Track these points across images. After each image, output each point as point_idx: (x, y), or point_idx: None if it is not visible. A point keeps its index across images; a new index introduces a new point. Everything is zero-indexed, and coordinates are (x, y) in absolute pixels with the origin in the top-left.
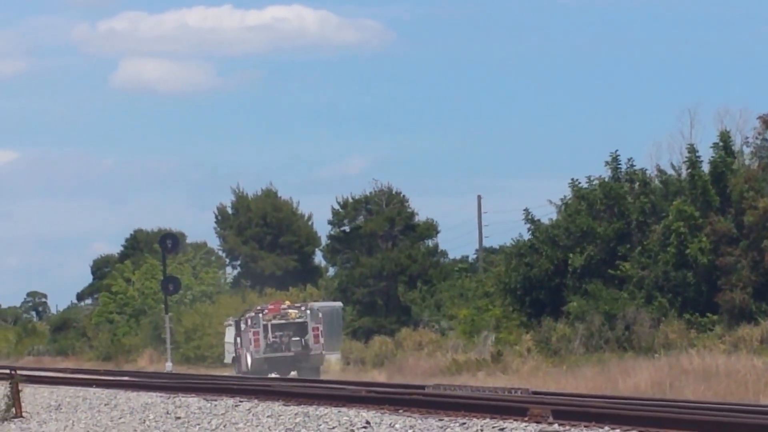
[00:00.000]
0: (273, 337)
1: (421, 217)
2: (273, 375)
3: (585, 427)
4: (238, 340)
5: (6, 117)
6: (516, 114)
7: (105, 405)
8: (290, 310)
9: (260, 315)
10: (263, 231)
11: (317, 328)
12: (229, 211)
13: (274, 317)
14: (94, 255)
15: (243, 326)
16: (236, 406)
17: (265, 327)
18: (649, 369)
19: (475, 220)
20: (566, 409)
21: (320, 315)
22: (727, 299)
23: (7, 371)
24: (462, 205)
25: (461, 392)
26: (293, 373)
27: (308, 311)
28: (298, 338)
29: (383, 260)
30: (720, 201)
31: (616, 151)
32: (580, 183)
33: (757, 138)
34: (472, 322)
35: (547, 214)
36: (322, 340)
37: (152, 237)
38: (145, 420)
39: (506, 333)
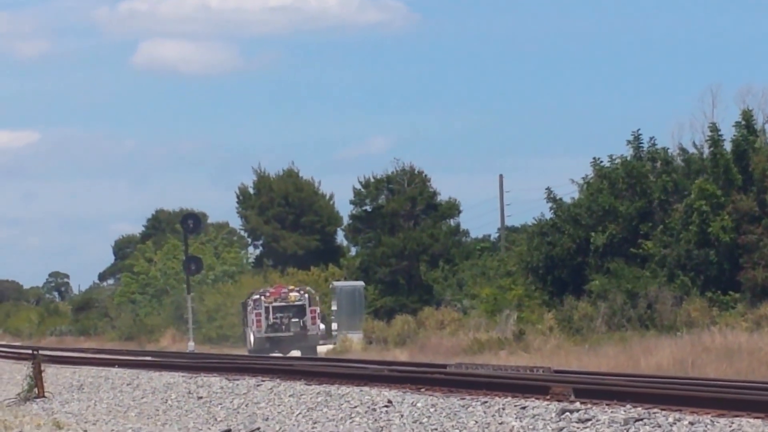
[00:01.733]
0: (274, 318)
1: (443, 197)
2: (275, 354)
3: (607, 405)
4: (244, 320)
5: (28, 98)
6: (538, 93)
7: (127, 385)
8: (290, 294)
9: (262, 297)
10: (285, 211)
11: (314, 311)
12: (251, 191)
13: (275, 300)
14: (116, 235)
15: (248, 308)
16: (258, 385)
17: (267, 309)
18: (671, 347)
19: (497, 199)
20: (588, 388)
21: (317, 298)
22: (749, 277)
23: (30, 351)
24: (484, 184)
25: (483, 371)
26: (295, 353)
27: (307, 295)
28: (297, 320)
29: (405, 239)
30: (742, 179)
31: (638, 130)
32: (602, 162)
33: None
34: (494, 301)
35: (569, 193)
36: (319, 321)
37: (174, 217)
38: (167, 399)
39: (528, 312)
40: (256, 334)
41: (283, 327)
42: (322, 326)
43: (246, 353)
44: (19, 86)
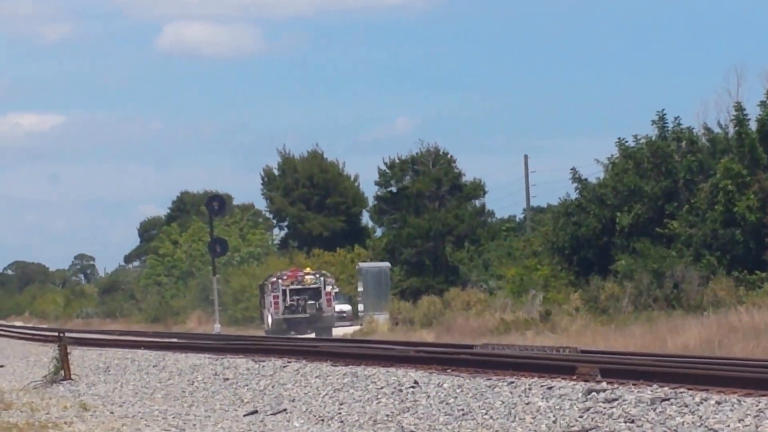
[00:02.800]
0: (291, 300)
1: (468, 177)
2: (292, 334)
3: (633, 385)
4: (262, 302)
5: (53, 81)
6: (564, 73)
7: (153, 366)
8: (306, 277)
9: (279, 280)
10: (310, 192)
11: (329, 293)
12: (276, 172)
13: (292, 283)
14: (141, 217)
15: (265, 290)
16: (284, 366)
17: (284, 291)
18: (698, 327)
19: (522, 179)
20: (614, 368)
21: (333, 281)
22: None
23: (56, 334)
24: (509, 164)
25: (509, 351)
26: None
27: (322, 278)
28: (313, 302)
29: (430, 220)
30: (767, 158)
31: (663, 110)
32: (627, 142)
33: None
34: (520, 282)
35: (595, 173)
36: (334, 303)
37: (199, 199)
38: (193, 381)
39: (554, 292)
40: (273, 316)
41: (300, 309)
42: (348, 307)
43: (263, 334)
44: (44, 69)
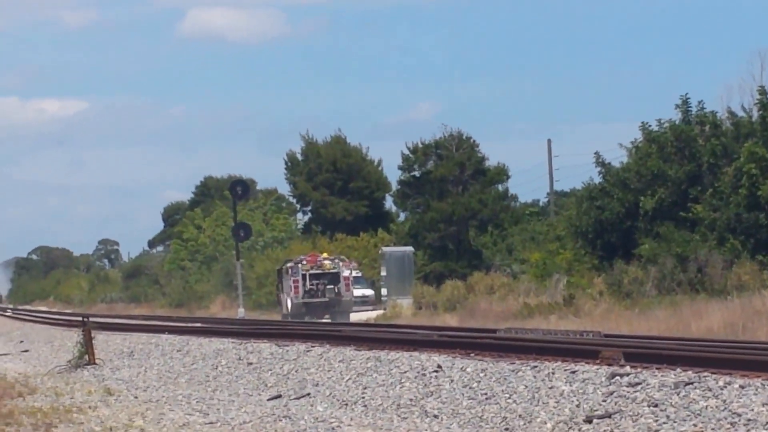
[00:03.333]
0: (310, 285)
1: (491, 162)
2: (309, 318)
3: (657, 369)
4: (279, 286)
5: (77, 67)
6: (587, 58)
7: (177, 351)
8: (325, 262)
9: (299, 265)
10: (333, 177)
11: (348, 278)
12: (299, 157)
13: (312, 267)
14: (164, 202)
15: (284, 274)
16: (308, 351)
17: (304, 276)
18: (722, 311)
19: (545, 164)
20: (638, 352)
21: (351, 265)
22: None
23: (80, 319)
24: (532, 149)
25: (533, 335)
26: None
27: (340, 263)
28: (332, 286)
29: (454, 205)
30: None
31: (687, 94)
32: (650, 126)
33: None
34: (544, 266)
35: (618, 158)
36: (352, 288)
37: (222, 184)
38: (217, 366)
39: (578, 276)
40: (293, 300)
41: (319, 293)
42: (371, 292)
43: (279, 318)
44: (68, 55)
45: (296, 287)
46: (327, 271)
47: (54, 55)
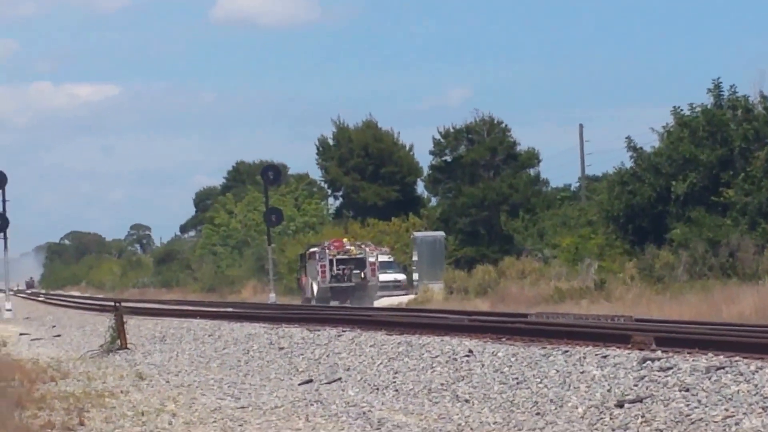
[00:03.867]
0: (337, 270)
1: (522, 146)
2: (334, 303)
3: (688, 353)
4: (303, 270)
5: (108, 52)
6: (619, 42)
7: (209, 336)
8: (351, 248)
9: (326, 250)
10: (365, 162)
11: (373, 263)
12: (331, 142)
13: (338, 253)
14: (196, 187)
15: (309, 259)
16: (339, 336)
17: (331, 261)
18: (753, 295)
19: (577, 148)
20: (669, 336)
21: (383, 250)
22: None
23: (112, 303)
24: (564, 133)
25: (564, 320)
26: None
27: (366, 248)
28: (358, 271)
29: (485, 189)
30: None
31: (719, 78)
32: (682, 110)
33: None
34: (575, 251)
35: (650, 142)
36: (378, 273)
37: (254, 169)
38: (248, 350)
39: (609, 261)
40: (320, 284)
41: (345, 278)
42: (403, 276)
43: (300, 303)
44: (99, 40)
45: (323, 271)
46: (353, 256)
47: (86, 40)
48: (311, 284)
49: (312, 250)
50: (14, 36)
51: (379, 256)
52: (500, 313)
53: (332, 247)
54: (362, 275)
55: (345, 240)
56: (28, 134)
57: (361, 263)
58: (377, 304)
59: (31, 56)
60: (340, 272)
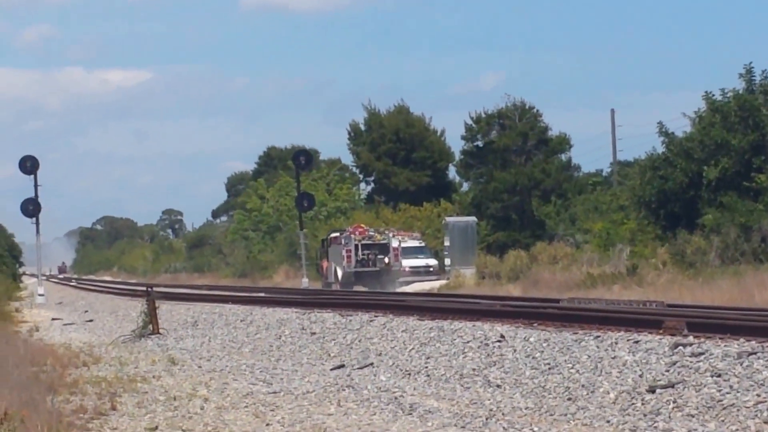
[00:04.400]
0: (362, 255)
1: (554, 132)
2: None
3: (720, 339)
4: (325, 256)
5: (141, 38)
6: (650, 28)
7: (241, 321)
8: (375, 234)
9: (352, 236)
10: (396, 147)
11: (397, 249)
12: (362, 127)
13: (363, 238)
14: (228, 172)
15: (331, 245)
16: (371, 321)
17: (356, 246)
18: None
19: (608, 133)
20: (701, 322)
21: (414, 235)
22: None
23: (144, 289)
24: (595, 119)
25: (596, 305)
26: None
27: (390, 234)
28: (382, 256)
29: (517, 175)
30: None
31: (751, 63)
32: (714, 96)
33: None
34: (607, 236)
35: (681, 127)
36: (401, 258)
37: (286, 154)
38: (280, 335)
39: (641, 246)
40: (346, 269)
41: (370, 263)
42: (434, 261)
43: (320, 287)
44: (132, 26)
45: (348, 257)
46: (377, 242)
47: (117, 26)
48: (335, 269)
49: (334, 235)
50: (48, 22)
51: (411, 241)
52: (532, 299)
53: (357, 233)
54: (386, 260)
55: (363, 225)
56: (61, 119)
57: (384, 249)
58: (407, 289)
59: (64, 42)
60: (365, 257)
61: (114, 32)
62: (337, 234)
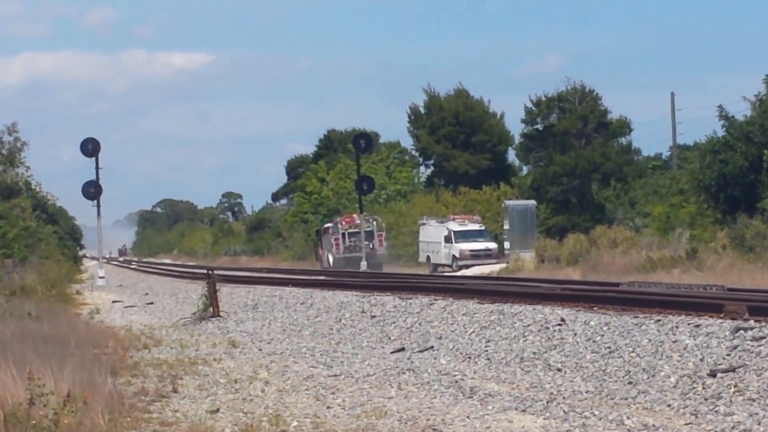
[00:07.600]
0: (349, 242)
1: (614, 115)
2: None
3: None
4: (320, 243)
5: (202, 19)
6: (711, 10)
7: (301, 304)
8: (361, 222)
9: (339, 225)
10: (456, 130)
11: (381, 235)
12: (422, 110)
13: (350, 227)
14: (288, 155)
15: (324, 234)
16: (431, 304)
17: (343, 234)
18: None
19: (668, 117)
20: (762, 306)
21: (384, 225)
22: None
23: (205, 271)
24: (655, 102)
25: (656, 289)
26: (363, 264)
27: (374, 222)
28: (367, 242)
29: (576, 158)
30: None
31: None
32: None
33: None
34: (667, 220)
35: (742, 111)
36: (385, 243)
37: (346, 137)
38: (340, 319)
39: (701, 230)
40: (335, 255)
41: (357, 248)
42: (494, 245)
43: (319, 270)
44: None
45: (337, 244)
46: (363, 230)
47: (179, 9)
48: (327, 255)
49: (326, 226)
50: (110, 5)
51: (471, 224)
52: (592, 282)
53: (344, 223)
54: (371, 246)
55: (355, 216)
56: (122, 102)
57: (370, 235)
58: (467, 273)
59: (127, 25)
60: (352, 244)
61: (176, 15)
62: (329, 225)
